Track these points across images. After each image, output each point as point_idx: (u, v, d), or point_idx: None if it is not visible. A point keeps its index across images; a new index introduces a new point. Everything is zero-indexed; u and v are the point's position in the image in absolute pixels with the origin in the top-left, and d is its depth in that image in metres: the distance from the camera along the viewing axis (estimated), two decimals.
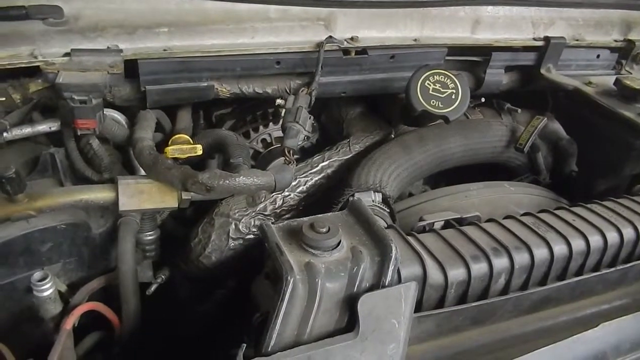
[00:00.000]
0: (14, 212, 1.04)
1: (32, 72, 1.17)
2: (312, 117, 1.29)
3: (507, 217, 1.15)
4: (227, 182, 1.08)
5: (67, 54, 1.18)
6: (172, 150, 1.23)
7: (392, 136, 1.55)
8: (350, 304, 0.86)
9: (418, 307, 0.94)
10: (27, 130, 1.21)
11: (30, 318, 1.12)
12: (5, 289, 1.10)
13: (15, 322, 1.13)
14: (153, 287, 1.27)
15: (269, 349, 0.82)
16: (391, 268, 0.87)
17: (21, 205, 1.04)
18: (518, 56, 1.66)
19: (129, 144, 1.28)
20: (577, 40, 1.73)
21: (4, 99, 1.14)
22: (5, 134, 1.17)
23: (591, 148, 1.64)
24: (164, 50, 1.26)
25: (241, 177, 1.09)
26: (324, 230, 0.90)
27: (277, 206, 1.35)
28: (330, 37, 1.41)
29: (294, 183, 1.35)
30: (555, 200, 1.48)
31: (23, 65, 1.14)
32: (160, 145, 1.28)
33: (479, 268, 0.99)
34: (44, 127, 1.23)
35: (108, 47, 1.22)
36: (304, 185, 1.39)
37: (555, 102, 1.81)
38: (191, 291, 1.37)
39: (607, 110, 1.52)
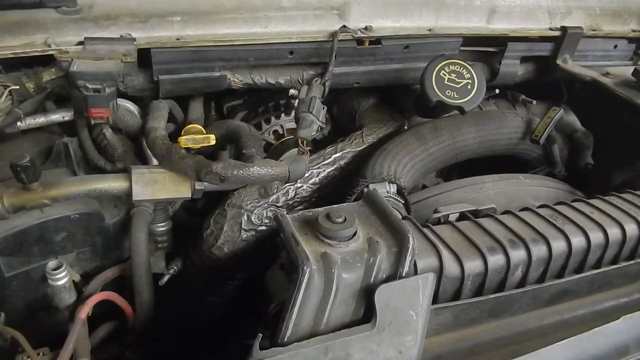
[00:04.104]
0: (28, 200, 1.04)
1: (46, 60, 1.17)
2: (325, 108, 1.27)
3: (524, 209, 1.14)
4: (241, 172, 1.07)
5: (80, 43, 1.17)
6: (185, 140, 1.22)
7: (406, 127, 1.53)
8: (367, 294, 0.85)
9: (434, 299, 0.92)
10: (40, 119, 1.21)
11: (45, 307, 1.12)
12: (20, 277, 1.11)
13: (30, 311, 1.13)
14: (166, 278, 1.28)
15: (285, 340, 0.81)
16: (408, 259, 0.86)
17: (36, 194, 1.04)
18: (534, 46, 1.63)
19: (141, 133, 1.28)
20: (594, 30, 1.70)
21: (17, 87, 1.13)
22: (19, 123, 1.17)
23: (608, 140, 1.61)
24: (177, 39, 1.25)
25: (255, 167, 1.08)
26: (340, 220, 0.89)
27: (289, 198, 1.34)
28: (344, 26, 1.39)
29: (306, 174, 1.34)
30: (571, 193, 1.46)
31: (37, 54, 1.14)
32: (173, 136, 1.28)
33: (495, 260, 0.98)
34: (57, 116, 1.23)
35: (121, 36, 1.21)
36: (317, 176, 1.38)
37: (570, 93, 1.78)
38: (203, 282, 1.37)
39: (626, 101, 1.49)
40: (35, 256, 1.11)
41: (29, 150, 1.20)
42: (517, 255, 0.99)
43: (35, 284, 1.12)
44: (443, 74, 1.33)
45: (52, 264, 1.06)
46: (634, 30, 1.77)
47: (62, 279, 1.05)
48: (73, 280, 1.12)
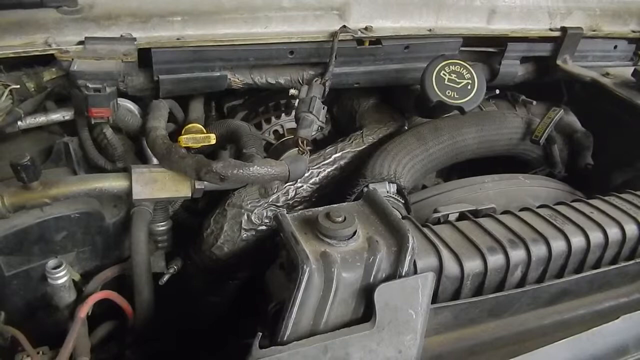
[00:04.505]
0: (28, 199, 1.04)
1: (47, 60, 1.17)
2: (325, 108, 1.27)
3: (524, 209, 1.14)
4: (241, 171, 1.07)
5: (81, 42, 1.17)
6: (185, 140, 1.22)
7: (406, 128, 1.53)
8: (366, 294, 0.85)
9: (434, 298, 0.93)
10: (41, 119, 1.21)
11: (45, 306, 1.12)
12: (20, 276, 1.11)
13: (30, 310, 1.13)
14: (166, 278, 1.28)
15: (285, 339, 0.81)
16: (408, 258, 0.86)
17: (36, 193, 1.04)
18: (534, 47, 1.63)
19: (142, 133, 1.28)
20: (594, 30, 1.70)
21: (18, 86, 1.14)
22: (19, 123, 1.17)
23: (608, 140, 1.61)
24: (178, 39, 1.25)
25: (255, 166, 1.08)
26: (340, 219, 0.89)
27: (289, 197, 1.34)
28: (344, 26, 1.39)
29: (306, 174, 1.34)
30: (571, 193, 1.46)
31: (37, 54, 1.14)
32: (173, 136, 1.28)
33: (495, 260, 0.98)
34: (57, 116, 1.23)
35: (122, 36, 1.21)
36: (317, 176, 1.38)
37: (570, 94, 1.78)
38: (203, 282, 1.37)
39: (626, 101, 1.50)
40: (35, 255, 1.11)
41: (30, 150, 1.20)
42: (517, 255, 0.99)
43: (36, 283, 1.12)
44: (443, 74, 1.34)
45: (51, 263, 1.06)
46: (633, 31, 1.77)
47: (61, 278, 1.05)
48: (73, 280, 1.12)
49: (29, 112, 1.19)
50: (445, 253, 0.96)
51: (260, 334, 0.82)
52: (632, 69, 1.60)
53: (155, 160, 1.23)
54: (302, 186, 1.35)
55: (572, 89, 1.77)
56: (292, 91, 1.32)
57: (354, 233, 0.89)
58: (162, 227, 1.29)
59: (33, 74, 1.17)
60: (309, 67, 1.43)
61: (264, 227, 1.29)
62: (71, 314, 1.08)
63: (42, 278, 1.09)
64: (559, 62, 1.65)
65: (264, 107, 1.63)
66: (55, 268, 1.05)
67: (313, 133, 1.23)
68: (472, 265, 0.97)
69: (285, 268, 0.96)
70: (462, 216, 1.13)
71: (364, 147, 1.46)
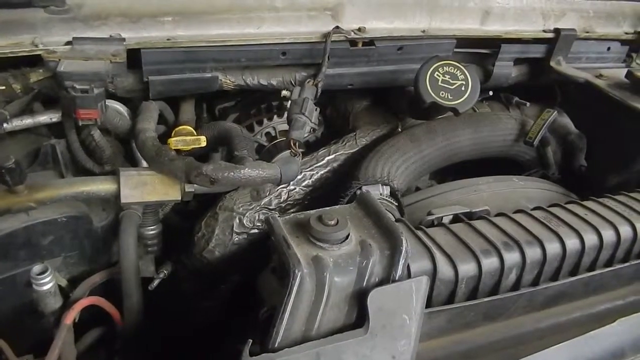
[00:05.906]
0: (14, 203, 1.02)
1: (34, 61, 1.15)
2: (318, 109, 1.26)
3: (518, 211, 1.13)
4: (232, 174, 1.05)
5: (69, 43, 1.15)
6: (175, 142, 1.20)
7: (399, 129, 1.52)
8: (359, 298, 0.84)
9: (428, 302, 0.91)
10: (27, 120, 1.19)
11: (31, 312, 1.09)
12: (5, 282, 1.08)
13: (15, 317, 1.11)
14: (155, 282, 1.25)
15: (276, 345, 0.80)
16: (401, 262, 0.85)
17: (21, 197, 1.02)
18: (528, 48, 1.63)
19: (131, 135, 1.26)
20: (587, 32, 1.70)
21: (4, 87, 1.11)
22: (5, 125, 1.14)
23: (602, 142, 1.61)
24: (168, 39, 1.23)
25: (246, 169, 1.07)
26: (332, 222, 0.87)
27: (282, 200, 1.32)
28: (338, 27, 1.38)
29: (299, 177, 1.33)
30: (565, 195, 1.46)
31: (24, 54, 1.12)
32: (163, 138, 1.26)
33: (489, 263, 0.97)
34: (44, 117, 1.21)
35: (111, 36, 1.19)
36: (310, 179, 1.37)
37: (563, 95, 1.78)
38: (194, 286, 1.35)
39: (619, 103, 1.50)
40: (21, 260, 1.08)
41: (16, 152, 1.18)
42: (511, 257, 0.98)
43: (21, 289, 1.09)
44: (437, 75, 1.33)
45: (36, 268, 1.03)
46: (626, 33, 1.78)
47: (47, 284, 1.02)
48: (60, 285, 1.09)
49: (15, 113, 1.16)
50: (439, 256, 0.95)
51: (251, 340, 0.80)
52: (625, 70, 1.60)
53: (144, 163, 1.21)
54: (294, 189, 1.34)
55: (566, 90, 1.77)
56: (284, 92, 1.31)
57: (347, 236, 0.87)
58: (151, 231, 1.27)
59: (20, 74, 1.15)
60: (301, 68, 1.41)
61: (256, 231, 1.28)
62: (57, 320, 1.05)
63: (28, 284, 1.06)
64: (552, 63, 1.65)
65: (255, 109, 1.61)
66: (40, 274, 1.02)
67: (305, 135, 1.22)
68: (467, 268, 0.95)
69: (277, 272, 0.94)
70: (456, 219, 1.12)
71: (357, 149, 1.44)
